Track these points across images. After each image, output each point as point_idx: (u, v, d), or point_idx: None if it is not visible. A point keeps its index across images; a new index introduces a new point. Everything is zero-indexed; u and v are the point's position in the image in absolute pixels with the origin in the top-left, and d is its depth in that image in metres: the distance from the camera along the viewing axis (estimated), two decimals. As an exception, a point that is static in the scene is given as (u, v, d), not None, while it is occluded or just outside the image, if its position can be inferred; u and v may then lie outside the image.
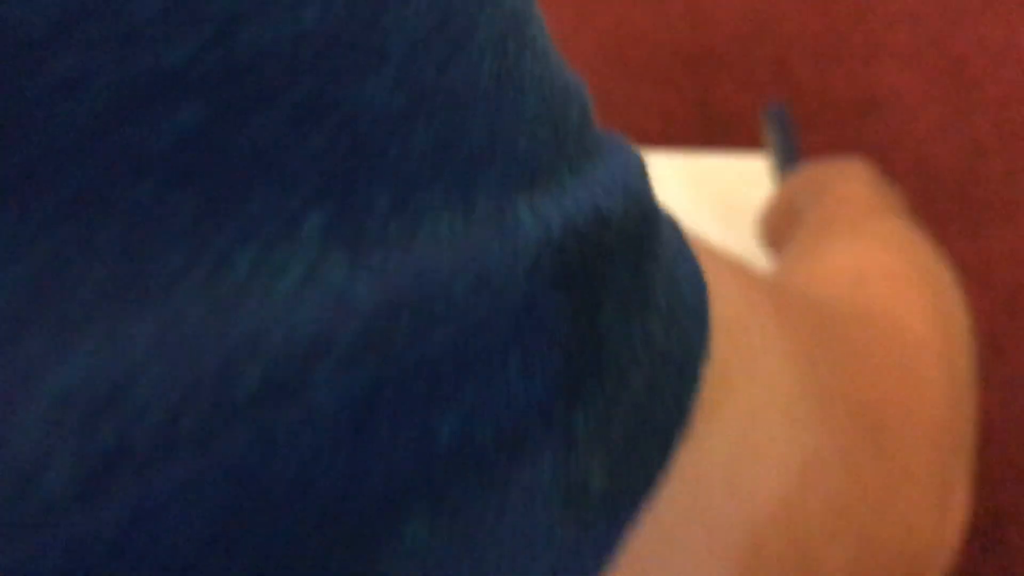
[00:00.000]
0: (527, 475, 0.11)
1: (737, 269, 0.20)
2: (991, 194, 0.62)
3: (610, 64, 0.70)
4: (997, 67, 0.68)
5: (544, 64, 0.12)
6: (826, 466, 0.19)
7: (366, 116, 0.09)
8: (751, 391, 0.17)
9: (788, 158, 0.56)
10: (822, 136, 0.65)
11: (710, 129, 0.66)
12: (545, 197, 0.11)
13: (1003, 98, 0.67)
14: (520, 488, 0.11)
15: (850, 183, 0.44)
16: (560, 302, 0.11)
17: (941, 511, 0.24)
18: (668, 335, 0.14)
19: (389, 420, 0.10)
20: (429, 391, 0.10)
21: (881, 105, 0.67)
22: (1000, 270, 0.59)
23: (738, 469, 0.17)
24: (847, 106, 0.67)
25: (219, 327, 0.09)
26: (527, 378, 0.11)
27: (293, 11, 0.09)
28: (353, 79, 0.09)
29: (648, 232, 0.13)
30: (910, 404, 0.24)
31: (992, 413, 0.54)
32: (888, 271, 0.30)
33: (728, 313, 0.17)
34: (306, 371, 0.09)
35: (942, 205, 0.62)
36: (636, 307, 0.13)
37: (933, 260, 0.32)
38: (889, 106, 0.67)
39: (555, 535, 0.12)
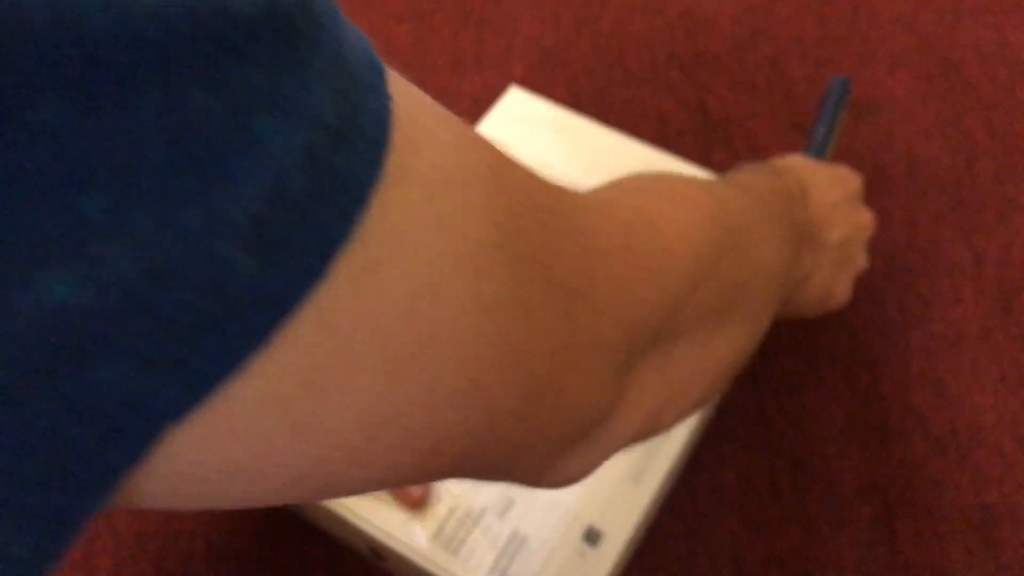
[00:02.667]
0: None
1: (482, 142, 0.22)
2: (984, 194, 0.63)
3: (609, 68, 0.71)
4: (990, 69, 0.69)
5: None
6: (504, 313, 0.21)
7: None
8: (433, 239, 0.19)
9: (819, 139, 0.56)
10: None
11: (707, 132, 0.67)
12: None
13: (996, 99, 0.67)
14: None
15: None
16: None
17: (617, 385, 0.28)
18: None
19: None
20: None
21: (875, 107, 0.67)
22: (993, 270, 0.60)
23: (418, 303, 0.19)
24: (841, 109, 0.67)
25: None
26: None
27: None
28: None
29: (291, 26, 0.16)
30: (626, 288, 0.27)
31: (985, 412, 0.54)
32: (675, 191, 0.33)
33: (430, 160, 0.19)
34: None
35: (935, 205, 0.62)
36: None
37: (743, 214, 0.35)
38: (883, 108, 0.67)
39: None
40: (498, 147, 0.23)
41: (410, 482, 0.22)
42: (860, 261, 0.51)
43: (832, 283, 0.49)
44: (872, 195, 0.63)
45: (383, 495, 0.47)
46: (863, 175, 0.64)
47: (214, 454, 0.17)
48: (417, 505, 0.46)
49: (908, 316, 0.58)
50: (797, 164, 0.49)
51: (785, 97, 0.68)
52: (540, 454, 0.26)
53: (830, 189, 0.48)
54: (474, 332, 0.20)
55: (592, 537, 0.45)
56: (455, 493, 0.47)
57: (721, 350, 0.33)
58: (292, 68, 0.16)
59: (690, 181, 0.34)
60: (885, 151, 0.65)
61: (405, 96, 0.19)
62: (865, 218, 0.51)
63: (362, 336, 0.18)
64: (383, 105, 0.18)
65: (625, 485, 0.47)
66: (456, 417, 0.21)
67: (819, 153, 0.55)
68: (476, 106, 0.69)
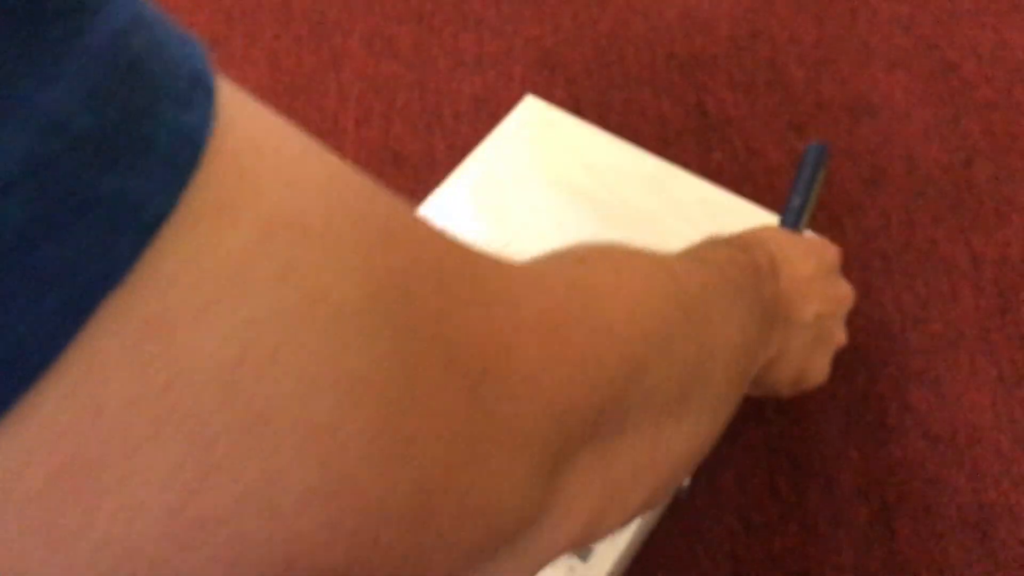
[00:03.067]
0: None
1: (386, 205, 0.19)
2: (982, 195, 0.63)
3: (608, 69, 0.71)
4: (987, 70, 0.69)
5: None
6: (381, 393, 0.17)
7: None
8: (272, 294, 0.15)
9: (793, 208, 0.53)
10: (815, 140, 0.66)
11: (706, 133, 0.67)
12: None
13: (993, 101, 0.68)
14: None
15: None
16: None
17: (543, 486, 0.23)
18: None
19: None
20: None
21: (873, 108, 0.68)
22: (991, 270, 0.60)
23: (244, 373, 0.15)
24: (840, 109, 0.68)
25: None
26: None
27: None
28: None
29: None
30: (554, 370, 0.23)
31: (983, 411, 0.55)
32: (623, 261, 0.29)
33: (291, 203, 0.16)
34: None
35: (933, 207, 0.63)
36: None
37: (698, 291, 0.32)
38: (881, 109, 0.68)
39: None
40: (399, 203, 0.20)
41: None
42: (838, 338, 0.48)
43: (806, 363, 0.46)
44: (870, 196, 0.63)
45: None
46: (865, 173, 0.64)
47: None
48: None
49: (906, 316, 0.58)
50: (767, 236, 0.46)
51: (784, 98, 0.68)
52: (445, 570, 0.22)
53: (803, 262, 0.45)
54: (336, 414, 0.16)
55: (583, 552, 0.45)
56: None
57: (675, 443, 0.29)
58: (25, 53, 0.12)
59: (642, 252, 0.31)
60: (883, 152, 0.65)
61: (257, 125, 0.16)
62: (843, 292, 0.48)
63: (151, 414, 0.14)
64: (197, 124, 0.15)
65: None
66: (316, 522, 0.17)
67: (794, 223, 0.52)
68: (476, 107, 0.69)
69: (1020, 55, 0.70)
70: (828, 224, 0.62)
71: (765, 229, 0.47)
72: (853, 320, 0.58)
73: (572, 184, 0.59)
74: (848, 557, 0.50)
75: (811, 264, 0.45)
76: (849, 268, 0.60)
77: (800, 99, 0.68)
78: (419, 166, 0.67)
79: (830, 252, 0.48)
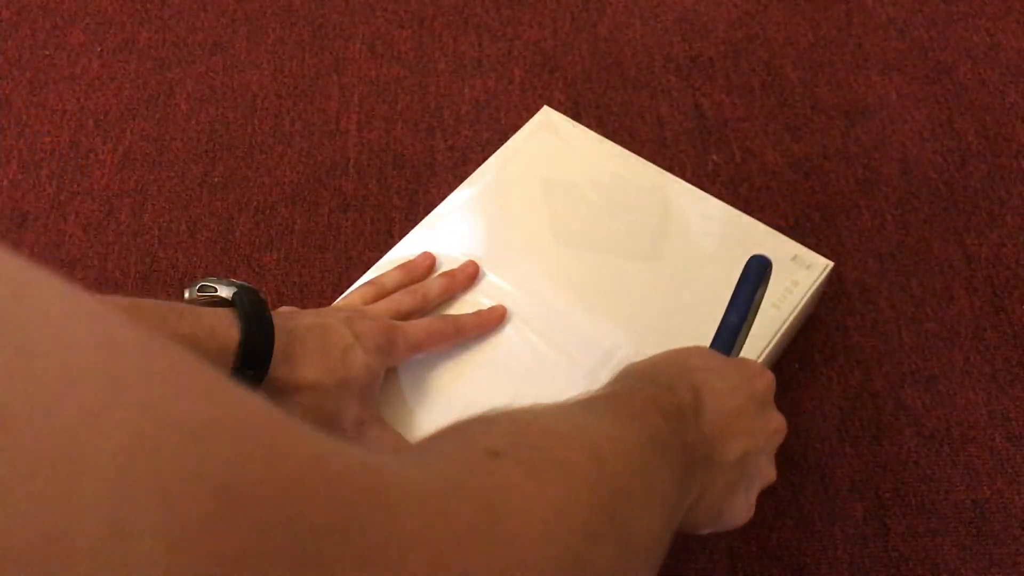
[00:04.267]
0: None
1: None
2: (975, 196, 0.64)
3: (607, 71, 0.72)
4: (981, 72, 0.70)
5: None
6: None
7: None
8: None
9: (729, 326, 0.47)
10: (811, 142, 0.67)
11: (703, 135, 0.68)
12: None
13: (987, 102, 0.68)
14: None
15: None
16: None
17: None
18: None
19: None
20: None
21: (868, 110, 0.68)
22: (985, 269, 0.60)
23: None
24: (835, 111, 0.68)
25: None
26: None
27: None
28: None
29: None
30: None
31: (977, 409, 0.55)
32: (546, 454, 0.26)
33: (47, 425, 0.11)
34: None
35: (927, 208, 0.63)
36: None
37: (629, 475, 0.29)
38: (876, 111, 0.68)
39: None
40: (278, 417, 0.16)
41: None
42: (765, 475, 0.43)
43: (727, 503, 0.41)
44: (865, 196, 0.64)
45: None
46: (860, 175, 0.65)
47: None
48: None
49: (901, 315, 0.59)
50: (695, 364, 0.42)
51: (780, 100, 0.69)
52: None
53: (731, 395, 0.41)
54: None
55: None
56: None
57: None
58: None
59: (567, 429, 0.28)
60: (878, 153, 0.66)
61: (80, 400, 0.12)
62: (773, 425, 0.43)
63: None
64: None
65: None
66: None
67: (728, 342, 0.47)
68: (476, 109, 0.70)
69: (1013, 57, 0.70)
70: (823, 225, 0.63)
71: (694, 354, 0.43)
72: (848, 320, 0.59)
73: (583, 196, 0.59)
74: (843, 553, 0.51)
75: (740, 397, 0.41)
76: (846, 268, 0.61)
77: (796, 101, 0.69)
78: (420, 167, 0.67)
79: (762, 381, 0.43)
